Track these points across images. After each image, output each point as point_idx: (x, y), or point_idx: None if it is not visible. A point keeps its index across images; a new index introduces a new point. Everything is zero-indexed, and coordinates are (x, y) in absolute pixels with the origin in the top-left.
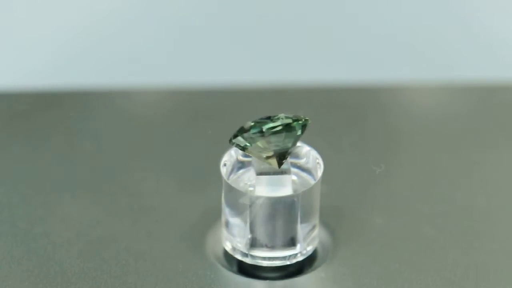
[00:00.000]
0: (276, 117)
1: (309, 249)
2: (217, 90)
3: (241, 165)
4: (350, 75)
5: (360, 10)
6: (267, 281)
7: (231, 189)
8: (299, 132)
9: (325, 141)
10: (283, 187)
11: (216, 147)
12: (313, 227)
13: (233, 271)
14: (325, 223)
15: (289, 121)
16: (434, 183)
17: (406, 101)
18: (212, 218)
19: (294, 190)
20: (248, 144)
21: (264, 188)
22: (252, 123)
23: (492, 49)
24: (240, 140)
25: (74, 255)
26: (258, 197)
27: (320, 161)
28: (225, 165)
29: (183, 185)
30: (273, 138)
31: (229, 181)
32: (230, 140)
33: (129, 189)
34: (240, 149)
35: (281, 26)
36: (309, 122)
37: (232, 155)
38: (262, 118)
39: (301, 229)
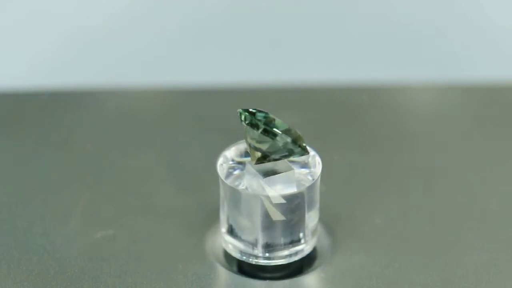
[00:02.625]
0: (284, 129)
1: (271, 258)
2: (217, 90)
3: (238, 164)
4: (350, 75)
5: (360, 10)
6: (267, 281)
7: (228, 189)
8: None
9: (325, 141)
10: (254, 184)
11: (216, 147)
12: (295, 241)
13: (233, 271)
14: (324, 223)
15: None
16: (434, 183)
17: (406, 101)
18: (212, 218)
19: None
20: (246, 122)
21: (248, 176)
22: (266, 115)
23: (493, 49)
24: (246, 114)
25: (74, 255)
26: (228, 185)
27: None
28: (222, 164)
29: (183, 185)
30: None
31: (226, 181)
32: (240, 111)
33: (129, 189)
34: (242, 121)
35: (281, 26)
36: (300, 154)
37: (229, 155)
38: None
39: (267, 235)
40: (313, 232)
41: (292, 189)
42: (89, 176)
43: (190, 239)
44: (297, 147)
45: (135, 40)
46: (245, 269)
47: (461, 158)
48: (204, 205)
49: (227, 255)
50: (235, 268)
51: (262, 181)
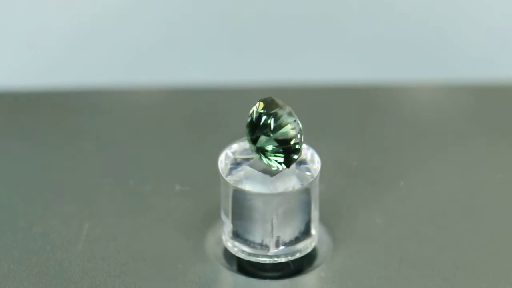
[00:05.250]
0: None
1: (235, 247)
2: (217, 89)
3: (238, 163)
4: (350, 75)
5: (360, 10)
6: (267, 281)
7: (229, 187)
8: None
9: (324, 141)
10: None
11: (215, 146)
12: (263, 245)
13: (233, 271)
14: (324, 223)
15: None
16: (434, 183)
17: (405, 101)
18: (212, 217)
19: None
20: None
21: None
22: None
23: (494, 48)
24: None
25: (74, 255)
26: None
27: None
28: (222, 163)
29: (183, 185)
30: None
31: (227, 179)
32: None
33: (129, 189)
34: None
35: (281, 25)
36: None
37: (229, 153)
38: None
39: (234, 223)
40: (283, 244)
41: (252, 187)
42: (89, 176)
43: (190, 239)
44: (258, 155)
45: (135, 39)
46: (245, 268)
47: (461, 158)
48: (204, 205)
49: (227, 255)
50: (235, 268)
51: (245, 167)
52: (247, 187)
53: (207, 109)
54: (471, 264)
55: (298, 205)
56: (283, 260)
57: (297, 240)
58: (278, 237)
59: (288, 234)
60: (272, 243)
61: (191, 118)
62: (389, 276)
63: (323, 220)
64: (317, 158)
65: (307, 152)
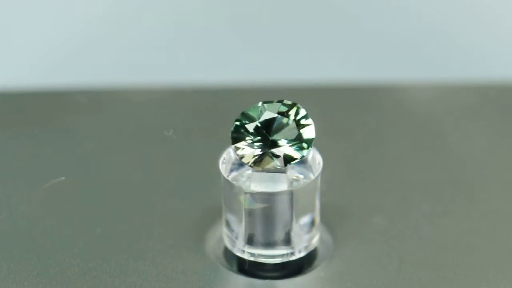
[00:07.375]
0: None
1: (227, 233)
2: (217, 89)
3: (240, 163)
4: (350, 75)
5: (359, 10)
6: (267, 281)
7: (230, 187)
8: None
9: (325, 140)
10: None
11: (216, 146)
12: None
13: (233, 271)
14: (325, 222)
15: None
16: (434, 182)
17: (405, 101)
18: (212, 217)
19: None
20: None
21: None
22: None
23: (493, 49)
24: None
25: (74, 255)
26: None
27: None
28: (224, 163)
29: (183, 185)
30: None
31: (228, 178)
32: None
33: (129, 189)
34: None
35: (281, 25)
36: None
37: (231, 153)
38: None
39: (227, 214)
40: (256, 244)
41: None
42: (89, 176)
43: (190, 239)
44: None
45: (135, 39)
46: (245, 268)
47: (461, 158)
48: (204, 205)
49: (227, 255)
50: (235, 268)
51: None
52: (233, 179)
53: (208, 109)
54: (471, 264)
55: (275, 209)
56: (245, 258)
57: (274, 244)
58: (252, 234)
59: (262, 235)
60: (241, 238)
61: (191, 118)
62: (389, 276)
63: (323, 220)
64: (318, 158)
65: (308, 153)
